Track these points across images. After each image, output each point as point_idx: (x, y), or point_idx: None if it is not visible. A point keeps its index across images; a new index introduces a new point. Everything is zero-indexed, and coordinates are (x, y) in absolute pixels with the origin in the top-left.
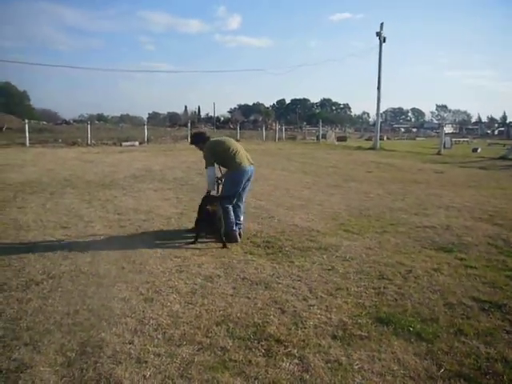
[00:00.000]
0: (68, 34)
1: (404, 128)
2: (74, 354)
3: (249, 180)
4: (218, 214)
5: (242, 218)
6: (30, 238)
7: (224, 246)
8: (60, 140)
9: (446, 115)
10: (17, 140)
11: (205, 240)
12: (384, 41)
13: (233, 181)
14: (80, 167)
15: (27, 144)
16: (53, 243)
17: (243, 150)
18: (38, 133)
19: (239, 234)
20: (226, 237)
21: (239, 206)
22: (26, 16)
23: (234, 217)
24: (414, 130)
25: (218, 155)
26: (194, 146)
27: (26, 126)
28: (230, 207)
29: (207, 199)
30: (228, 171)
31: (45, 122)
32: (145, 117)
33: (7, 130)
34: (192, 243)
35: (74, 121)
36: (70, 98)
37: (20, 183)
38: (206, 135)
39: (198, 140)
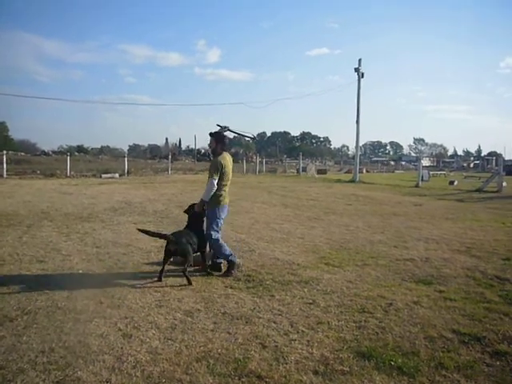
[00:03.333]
0: (48, 65)
1: (386, 161)
2: None
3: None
4: (186, 249)
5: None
6: (4, 273)
7: (189, 283)
8: (38, 171)
9: (423, 148)
10: None
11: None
12: (362, 76)
13: (216, 215)
14: (58, 199)
15: (4, 175)
16: (29, 278)
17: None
18: (15, 164)
19: (219, 267)
20: (230, 264)
21: None
22: (4, 46)
23: (227, 246)
24: (392, 162)
25: (219, 176)
26: (210, 137)
27: (4, 156)
28: (221, 240)
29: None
30: (211, 204)
31: (23, 153)
32: (125, 149)
33: None
34: (158, 280)
35: (54, 152)
36: (49, 129)
37: None
38: (225, 144)
39: (220, 141)
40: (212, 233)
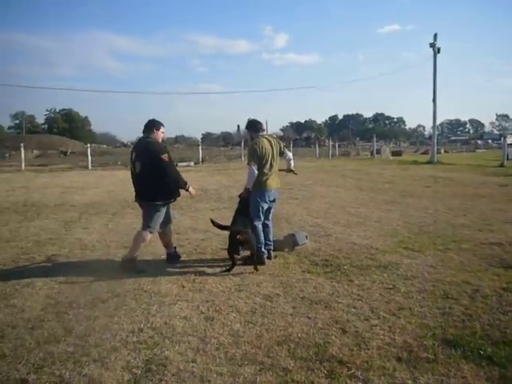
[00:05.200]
0: (121, 60)
1: (467, 140)
2: (139, 372)
3: (273, 201)
4: (250, 239)
5: (271, 238)
6: (95, 257)
7: (255, 269)
8: (119, 162)
9: (507, 125)
10: (80, 163)
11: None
12: (438, 51)
13: (255, 200)
14: None
15: (89, 167)
16: (116, 262)
17: (276, 165)
18: (99, 156)
19: (269, 256)
20: (253, 255)
21: (267, 226)
22: (81, 45)
23: (263, 237)
24: (480, 141)
25: (258, 160)
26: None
27: (89, 149)
28: (260, 226)
29: (237, 224)
30: (253, 189)
31: (105, 146)
32: (199, 137)
33: (71, 153)
34: (227, 271)
35: (132, 143)
36: (126, 121)
37: (84, 204)
38: (257, 128)
39: (250, 127)
40: (253, 218)
